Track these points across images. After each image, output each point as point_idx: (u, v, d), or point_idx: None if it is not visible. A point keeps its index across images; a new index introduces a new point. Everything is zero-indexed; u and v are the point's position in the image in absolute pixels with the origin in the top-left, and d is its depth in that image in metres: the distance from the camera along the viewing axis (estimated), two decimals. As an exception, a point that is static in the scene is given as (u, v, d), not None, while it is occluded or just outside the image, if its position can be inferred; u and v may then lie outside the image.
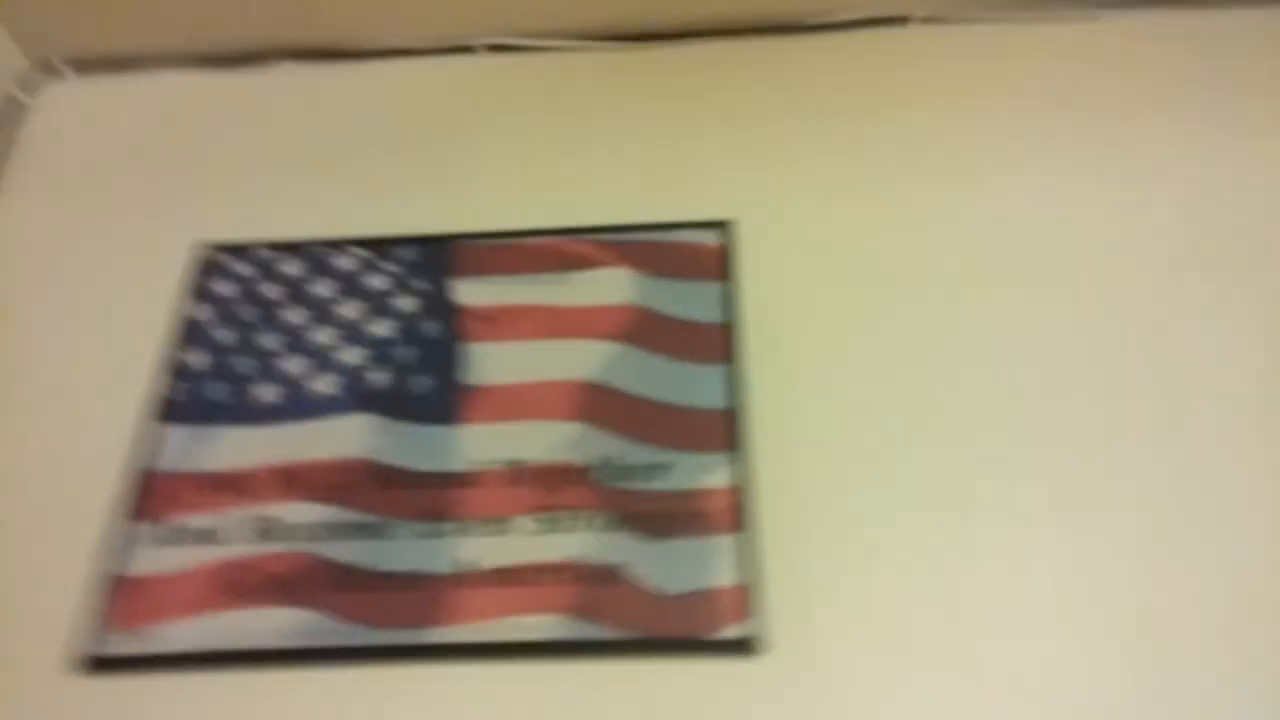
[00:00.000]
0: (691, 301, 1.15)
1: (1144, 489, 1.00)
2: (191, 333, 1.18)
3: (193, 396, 1.13)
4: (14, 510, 1.08)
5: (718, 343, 1.12)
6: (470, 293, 1.18)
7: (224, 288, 1.21)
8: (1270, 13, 1.29)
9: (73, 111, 1.38)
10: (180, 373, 1.15)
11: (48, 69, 1.42)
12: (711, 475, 1.04)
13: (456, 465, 1.07)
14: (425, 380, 1.13)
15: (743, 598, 0.97)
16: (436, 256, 1.21)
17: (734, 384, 1.09)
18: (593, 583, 1.00)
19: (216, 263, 1.23)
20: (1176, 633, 0.94)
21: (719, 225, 1.20)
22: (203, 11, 1.37)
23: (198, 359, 1.16)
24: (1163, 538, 0.98)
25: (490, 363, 1.13)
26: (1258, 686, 0.91)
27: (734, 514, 1.02)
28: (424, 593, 1.00)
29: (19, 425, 1.14)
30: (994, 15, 1.32)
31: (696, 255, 1.18)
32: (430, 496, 1.05)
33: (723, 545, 1.00)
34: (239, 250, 1.23)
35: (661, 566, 1.00)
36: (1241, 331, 1.08)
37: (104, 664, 0.98)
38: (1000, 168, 1.21)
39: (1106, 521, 0.99)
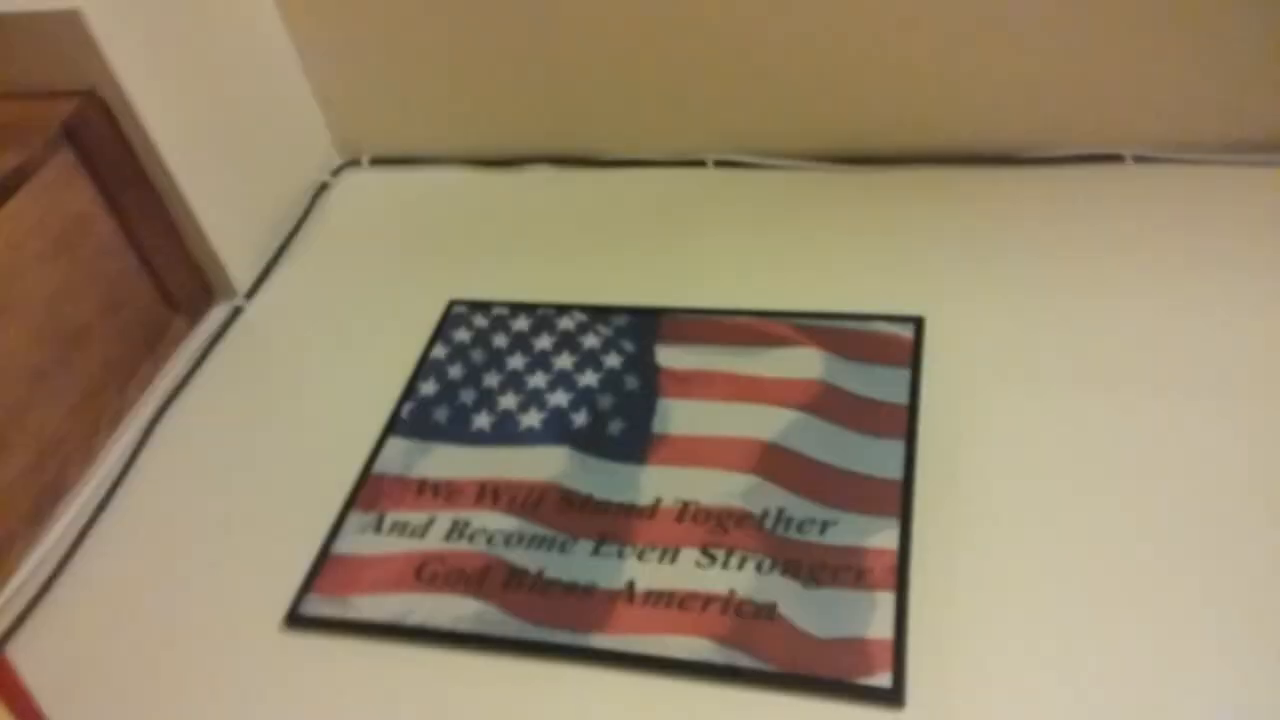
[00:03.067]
0: (878, 383, 1.21)
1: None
2: (429, 367, 1.35)
3: (419, 416, 1.29)
4: (270, 495, 1.25)
5: (899, 420, 1.17)
6: (671, 357, 1.29)
7: (462, 334, 1.38)
8: None
9: (363, 192, 1.65)
10: (412, 396, 1.31)
11: (354, 163, 1.71)
12: (875, 536, 1.07)
13: (636, 498, 1.15)
14: (619, 424, 1.23)
15: (889, 651, 0.98)
16: (646, 324, 1.34)
17: (910, 458, 1.13)
18: (746, 616, 1.03)
19: (460, 315, 1.41)
20: None
21: (913, 320, 1.26)
22: (480, 124, 1.63)
23: (429, 387, 1.32)
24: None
25: (679, 416, 1.22)
26: None
27: (892, 574, 1.03)
28: (588, 602, 1.07)
29: (290, 433, 1.33)
30: (1204, 158, 1.35)
31: (888, 343, 1.25)
32: (609, 521, 1.13)
33: (877, 600, 1.02)
34: (479, 306, 1.42)
35: (815, 611, 1.02)
36: None
37: (302, 621, 1.10)
38: (1179, 292, 1.23)
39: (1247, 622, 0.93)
